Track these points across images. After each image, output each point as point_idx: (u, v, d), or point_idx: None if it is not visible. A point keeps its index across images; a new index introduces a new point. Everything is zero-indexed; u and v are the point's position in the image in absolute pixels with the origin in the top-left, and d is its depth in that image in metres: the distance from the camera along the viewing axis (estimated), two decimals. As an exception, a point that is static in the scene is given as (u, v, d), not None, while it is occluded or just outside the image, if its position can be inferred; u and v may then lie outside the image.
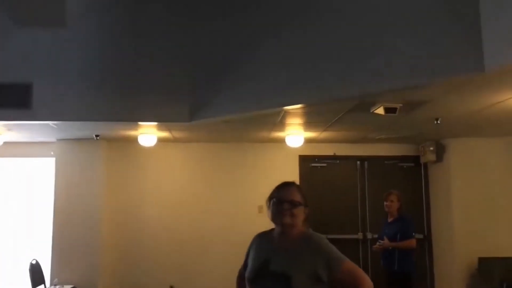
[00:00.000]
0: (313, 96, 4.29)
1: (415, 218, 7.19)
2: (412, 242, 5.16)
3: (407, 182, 7.39)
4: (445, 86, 3.83)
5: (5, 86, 4.94)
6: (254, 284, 2.20)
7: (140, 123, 5.51)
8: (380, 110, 4.48)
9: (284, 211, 2.20)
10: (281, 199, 2.22)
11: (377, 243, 5.35)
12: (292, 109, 4.68)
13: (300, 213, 2.24)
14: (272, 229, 2.35)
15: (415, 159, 7.31)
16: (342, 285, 2.17)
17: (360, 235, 7.22)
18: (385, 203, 5.38)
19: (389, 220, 5.38)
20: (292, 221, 2.21)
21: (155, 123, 5.54)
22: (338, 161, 7.44)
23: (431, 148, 6.85)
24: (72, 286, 6.21)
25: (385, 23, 3.76)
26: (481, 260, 6.26)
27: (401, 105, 4.39)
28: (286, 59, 4.47)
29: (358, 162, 7.46)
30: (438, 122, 5.17)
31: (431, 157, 6.89)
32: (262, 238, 2.36)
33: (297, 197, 2.24)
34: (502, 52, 3.11)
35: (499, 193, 6.54)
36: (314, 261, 2.14)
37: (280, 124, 5.58)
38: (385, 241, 5.21)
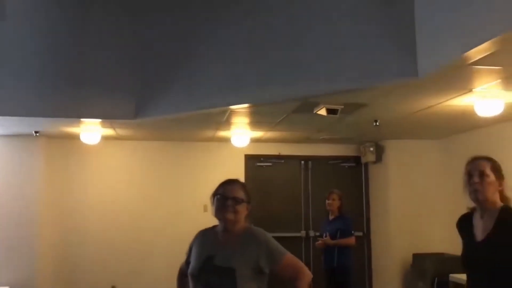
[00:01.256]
0: (258, 96, 4.38)
1: (356, 216, 7.49)
2: (352, 240, 5.37)
3: (349, 182, 7.66)
4: (382, 89, 4.02)
5: None
6: (198, 280, 2.24)
7: (82, 119, 5.39)
8: (323, 111, 4.63)
9: (227, 208, 2.26)
10: (224, 195, 2.28)
11: (319, 240, 5.52)
12: (238, 108, 4.74)
13: (243, 209, 2.31)
14: (215, 226, 2.40)
15: (357, 159, 7.58)
16: (283, 276, 2.27)
17: (303, 233, 7.40)
18: (326, 201, 5.56)
19: (330, 218, 5.56)
20: (235, 217, 2.27)
21: (98, 120, 5.44)
22: (283, 161, 7.59)
23: (371, 149, 7.13)
24: (7, 287, 5.98)
25: (327, 28, 3.91)
26: (415, 256, 6.58)
27: (342, 106, 4.56)
28: (232, 58, 4.53)
29: (302, 162, 7.64)
30: (377, 124, 5.40)
31: (371, 157, 7.17)
32: (205, 235, 2.41)
33: (240, 194, 2.30)
34: (434, 57, 3.32)
35: (433, 192, 6.88)
36: (256, 255, 2.22)
37: (226, 123, 5.64)
38: (327, 238, 5.39)
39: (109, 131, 6.11)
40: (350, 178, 7.68)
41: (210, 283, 2.18)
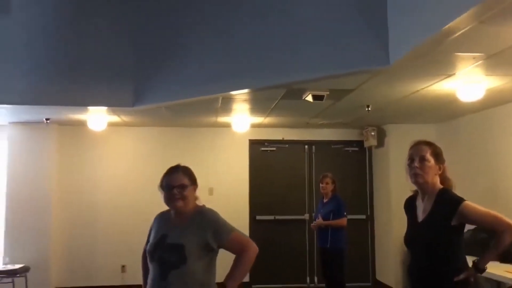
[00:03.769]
0: (244, 83, 4.54)
1: (359, 200, 7.64)
2: (343, 221, 5.52)
3: (353, 166, 7.78)
4: (361, 76, 4.12)
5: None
6: (152, 256, 2.46)
7: (87, 107, 5.67)
8: (309, 98, 4.76)
9: (174, 196, 2.44)
10: (170, 185, 2.46)
11: (313, 222, 5.70)
12: (227, 95, 4.92)
13: (190, 193, 2.49)
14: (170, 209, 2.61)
15: (360, 143, 7.67)
16: (232, 251, 2.46)
17: (306, 216, 7.56)
18: (320, 185, 5.72)
19: (325, 200, 5.72)
20: (183, 203, 2.46)
21: (103, 107, 5.70)
22: (287, 145, 7.75)
23: (372, 133, 7.21)
24: (23, 265, 6.40)
25: (303, 15, 4.01)
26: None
27: (327, 92, 4.68)
28: (221, 47, 4.69)
29: (306, 146, 7.78)
30: (369, 109, 5.49)
31: (373, 142, 7.25)
32: (161, 217, 2.62)
33: (184, 180, 2.47)
34: (405, 43, 3.39)
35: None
36: (204, 232, 2.42)
37: (224, 109, 5.83)
38: (319, 220, 5.56)
39: (115, 118, 6.39)
40: (354, 162, 7.79)
41: (162, 259, 2.40)
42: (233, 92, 4.78)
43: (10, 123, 6.74)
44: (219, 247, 2.46)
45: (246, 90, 4.63)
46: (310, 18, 3.96)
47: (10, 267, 6.32)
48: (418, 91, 4.70)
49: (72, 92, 5.27)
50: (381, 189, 7.49)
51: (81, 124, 6.61)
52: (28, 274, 6.39)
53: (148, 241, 2.62)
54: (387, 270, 7.23)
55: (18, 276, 6.29)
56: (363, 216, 7.67)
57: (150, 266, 2.45)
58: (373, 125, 7.22)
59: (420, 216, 2.56)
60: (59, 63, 5.27)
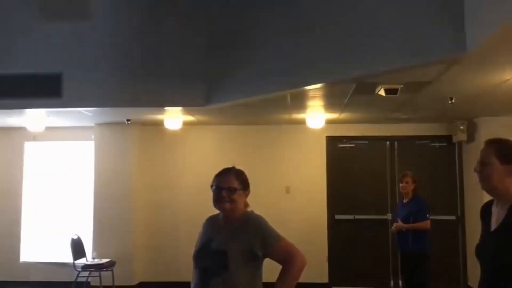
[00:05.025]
0: (312, 79, 4.35)
1: (448, 200, 7.11)
2: (426, 224, 5.12)
3: (440, 163, 7.26)
4: (437, 67, 3.75)
5: (37, 76, 5.41)
6: (196, 261, 2.39)
7: (163, 108, 5.81)
8: (382, 92, 4.46)
9: (223, 198, 2.36)
10: (219, 186, 2.38)
11: (393, 225, 5.37)
12: (296, 92, 4.75)
13: (239, 197, 2.38)
14: (220, 213, 2.52)
15: (448, 138, 7.11)
16: (277, 261, 2.32)
17: (389, 216, 7.15)
18: (400, 184, 5.37)
19: (405, 201, 5.36)
20: (231, 206, 2.36)
21: (178, 108, 5.82)
22: (367, 142, 7.40)
23: (461, 127, 6.64)
24: (108, 259, 6.73)
25: (377, 5, 3.74)
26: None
27: (401, 86, 4.34)
28: (290, 44, 4.55)
29: (388, 143, 7.37)
30: (453, 101, 5.02)
31: (462, 136, 6.69)
32: (209, 221, 2.54)
33: (235, 183, 2.37)
34: (483, 30, 3.02)
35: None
36: (250, 239, 2.30)
37: (295, 106, 5.67)
38: (399, 223, 5.22)
39: (190, 117, 6.49)
40: (441, 159, 7.25)
41: (205, 265, 2.31)
42: (302, 88, 4.62)
43: (95, 124, 7.11)
44: (265, 255, 2.32)
45: (315, 86, 4.43)
46: (379, 8, 3.68)
47: (97, 261, 6.69)
48: (509, 79, 4.20)
49: (149, 93, 5.44)
50: (472, 188, 6.87)
51: (159, 123, 6.79)
52: (114, 268, 6.72)
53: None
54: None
55: (105, 270, 6.63)
56: (453, 217, 7.11)
57: (194, 273, 2.38)
58: (462, 119, 6.65)
59: (493, 224, 2.23)
60: (136, 66, 5.46)
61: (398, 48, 3.50)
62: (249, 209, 2.46)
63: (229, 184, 2.37)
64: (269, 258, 2.32)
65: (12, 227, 7.41)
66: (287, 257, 2.29)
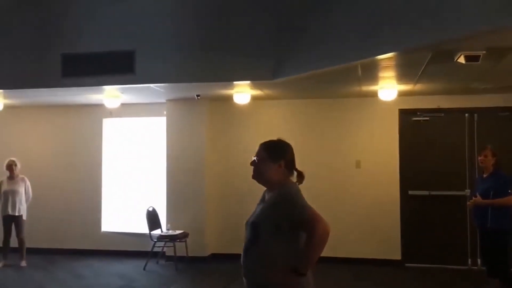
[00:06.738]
0: (387, 47, 4.15)
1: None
2: (508, 199, 4.81)
3: (525, 136, 6.76)
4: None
5: (110, 54, 5.61)
6: (245, 230, 2.44)
7: (232, 82, 5.84)
8: (461, 59, 4.18)
9: (253, 168, 2.42)
10: (253, 158, 2.44)
11: (470, 200, 5.10)
12: (367, 62, 4.57)
13: (267, 167, 2.37)
14: None
15: (534, 110, 6.61)
16: (304, 231, 2.26)
17: (467, 192, 6.80)
18: (479, 158, 5.09)
19: (484, 175, 5.07)
20: (257, 176, 2.40)
21: (246, 82, 5.82)
22: (443, 114, 7.03)
23: (550, 98, 6.13)
24: (182, 231, 6.96)
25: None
26: None
27: (484, 52, 4.04)
28: (361, 11, 4.38)
29: (467, 115, 6.97)
30: (543, 68, 4.63)
31: (550, 107, 6.18)
32: (264, 193, 2.56)
33: (260, 154, 2.40)
34: None
35: None
36: (278, 212, 2.29)
37: (366, 77, 5.48)
38: (477, 198, 4.95)
39: (258, 92, 6.47)
40: (527, 132, 6.75)
41: (246, 235, 2.39)
42: (374, 58, 4.43)
43: (167, 100, 7.30)
44: (293, 228, 2.26)
45: (388, 55, 4.23)
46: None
47: (171, 233, 6.95)
48: None
49: (218, 68, 5.49)
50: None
51: (228, 98, 6.84)
52: (188, 240, 6.95)
53: None
54: None
55: (179, 241, 6.88)
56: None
57: None
58: (551, 88, 6.13)
59: None
60: (205, 42, 5.51)
61: (480, 8, 3.24)
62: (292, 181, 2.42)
63: (256, 155, 2.43)
64: (297, 229, 2.27)
65: (93, 200, 7.85)
66: (312, 226, 2.22)
